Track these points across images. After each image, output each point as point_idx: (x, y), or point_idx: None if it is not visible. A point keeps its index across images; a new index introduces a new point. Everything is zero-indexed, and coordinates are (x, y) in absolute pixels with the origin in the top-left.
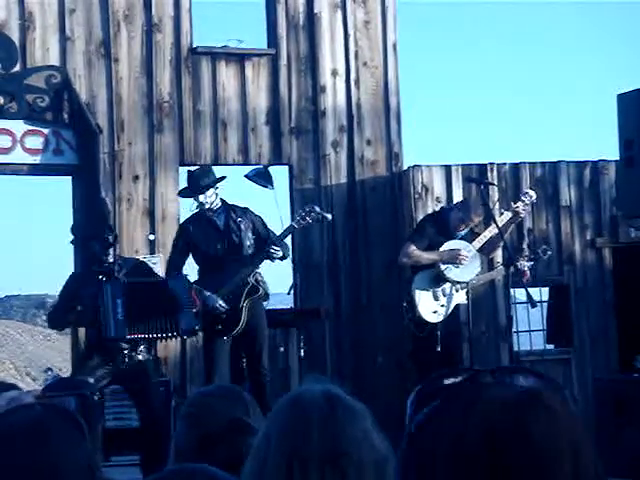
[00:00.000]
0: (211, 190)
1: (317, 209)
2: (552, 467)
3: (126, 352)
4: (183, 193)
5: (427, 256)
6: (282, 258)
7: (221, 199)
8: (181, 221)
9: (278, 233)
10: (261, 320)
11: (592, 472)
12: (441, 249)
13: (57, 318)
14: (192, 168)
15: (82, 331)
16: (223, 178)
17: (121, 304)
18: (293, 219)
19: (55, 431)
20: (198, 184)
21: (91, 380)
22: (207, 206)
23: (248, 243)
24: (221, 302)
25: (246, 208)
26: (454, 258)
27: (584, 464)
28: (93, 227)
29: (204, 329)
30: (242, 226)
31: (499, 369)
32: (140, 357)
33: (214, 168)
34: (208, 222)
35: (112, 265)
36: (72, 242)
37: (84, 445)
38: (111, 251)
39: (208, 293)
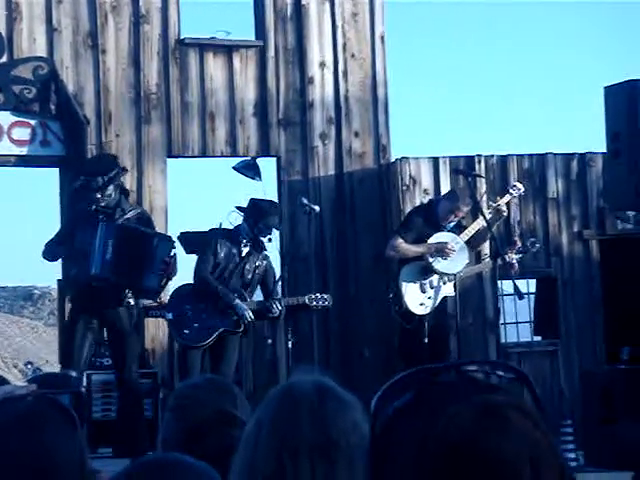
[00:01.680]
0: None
1: (305, 201)
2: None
3: (112, 296)
4: (248, 219)
5: (414, 249)
6: (274, 317)
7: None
8: (176, 216)
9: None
10: (230, 347)
11: (555, 478)
12: (429, 241)
13: (49, 248)
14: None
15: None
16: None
17: (112, 245)
18: (308, 297)
19: (48, 422)
20: (267, 220)
21: (75, 373)
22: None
23: (253, 284)
24: (250, 314)
25: (267, 255)
26: (441, 251)
27: (549, 473)
28: (101, 165)
29: (171, 327)
30: (257, 271)
31: (463, 363)
32: (126, 302)
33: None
34: (236, 244)
35: (114, 206)
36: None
37: (76, 437)
38: (111, 188)
39: (239, 301)
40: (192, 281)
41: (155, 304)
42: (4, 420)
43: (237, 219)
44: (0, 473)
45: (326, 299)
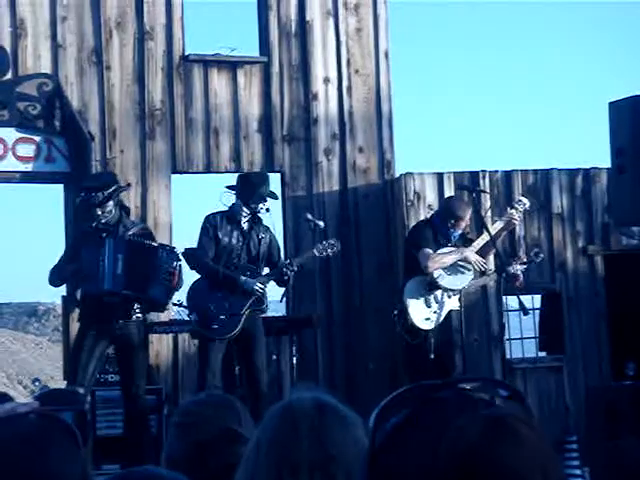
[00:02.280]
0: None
1: (310, 216)
2: None
3: (121, 312)
4: (240, 196)
5: (450, 257)
6: (287, 282)
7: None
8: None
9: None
10: (258, 332)
11: None
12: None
13: (55, 272)
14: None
15: (75, 329)
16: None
17: (122, 260)
18: (315, 246)
19: (50, 440)
20: (258, 191)
21: (82, 389)
22: (261, 213)
23: (262, 258)
24: (260, 285)
25: (268, 227)
26: (468, 258)
27: None
28: (101, 181)
29: (201, 325)
30: (262, 242)
31: (458, 381)
32: (134, 318)
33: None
34: (235, 223)
35: (115, 222)
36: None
37: (79, 455)
38: (111, 204)
39: (244, 278)
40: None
41: (162, 322)
42: (5, 438)
43: (230, 199)
44: None
45: (333, 244)
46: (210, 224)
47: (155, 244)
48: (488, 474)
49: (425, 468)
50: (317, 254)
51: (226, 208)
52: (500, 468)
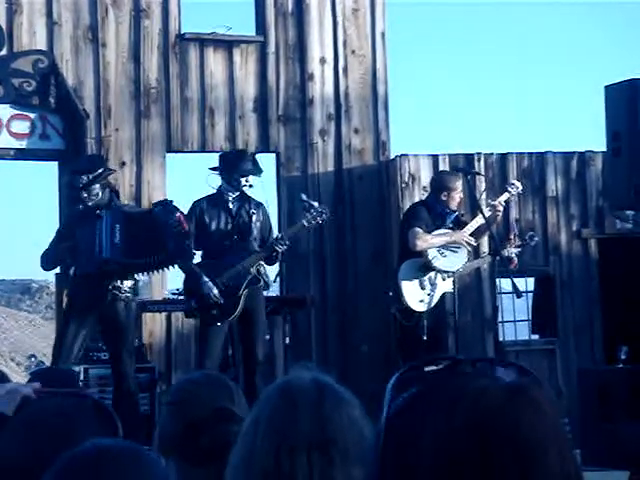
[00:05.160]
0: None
1: (304, 197)
2: (540, 460)
3: (110, 290)
4: (223, 175)
5: (439, 239)
6: (277, 259)
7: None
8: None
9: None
10: (259, 309)
11: (575, 463)
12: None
13: (48, 254)
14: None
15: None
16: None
17: (119, 230)
18: (304, 217)
19: (85, 423)
20: (259, 166)
21: (73, 363)
22: (245, 189)
23: (255, 235)
24: (216, 292)
25: (260, 202)
26: (460, 240)
27: (568, 456)
28: (88, 164)
29: (200, 312)
30: (253, 218)
31: (480, 360)
32: (124, 297)
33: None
34: (223, 205)
35: (105, 205)
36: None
37: (118, 436)
38: (97, 187)
39: (206, 279)
40: None
41: (157, 299)
42: (40, 419)
43: (217, 180)
44: (36, 474)
45: (322, 211)
46: (194, 212)
47: (144, 209)
48: (505, 438)
49: (442, 430)
50: (307, 224)
51: (214, 190)
52: (519, 434)
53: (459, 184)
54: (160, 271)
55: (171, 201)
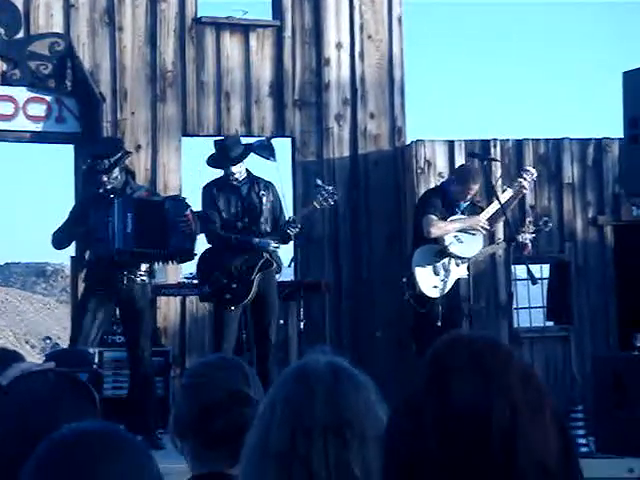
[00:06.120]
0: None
1: (320, 182)
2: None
3: (126, 274)
4: (212, 163)
5: (453, 225)
6: (288, 241)
7: (246, 169)
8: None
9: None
10: (272, 292)
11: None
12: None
13: (62, 234)
14: (219, 138)
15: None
16: (252, 148)
17: (131, 218)
18: (315, 198)
19: (67, 399)
20: (230, 154)
21: (91, 346)
22: (237, 176)
23: (266, 216)
24: (273, 243)
25: (270, 182)
26: (475, 225)
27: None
28: (108, 148)
29: (214, 297)
30: (264, 199)
31: None
32: (140, 280)
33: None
34: (232, 188)
35: (121, 187)
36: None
37: (95, 414)
38: (117, 171)
39: (257, 239)
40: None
41: (172, 283)
42: (25, 396)
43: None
44: (19, 450)
45: (333, 192)
46: (207, 196)
47: (159, 198)
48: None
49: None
50: (318, 206)
51: (222, 173)
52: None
53: (479, 183)
54: (163, 264)
55: (184, 198)
